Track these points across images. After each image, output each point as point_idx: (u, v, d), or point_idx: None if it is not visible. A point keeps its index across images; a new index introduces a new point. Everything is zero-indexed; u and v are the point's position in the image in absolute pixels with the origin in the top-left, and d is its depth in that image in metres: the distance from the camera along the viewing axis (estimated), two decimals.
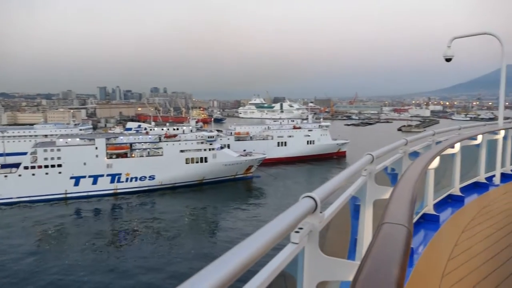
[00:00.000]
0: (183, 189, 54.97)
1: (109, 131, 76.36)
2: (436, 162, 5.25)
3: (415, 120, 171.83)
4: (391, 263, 1.26)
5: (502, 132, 8.61)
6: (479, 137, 7.63)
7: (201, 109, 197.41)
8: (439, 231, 5.58)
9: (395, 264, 1.26)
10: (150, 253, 32.59)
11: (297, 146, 78.21)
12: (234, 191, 55.64)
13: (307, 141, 79.98)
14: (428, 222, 5.91)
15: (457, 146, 6.50)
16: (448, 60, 9.68)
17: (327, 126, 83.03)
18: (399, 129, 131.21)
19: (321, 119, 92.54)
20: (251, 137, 77.22)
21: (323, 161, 75.56)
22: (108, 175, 52.90)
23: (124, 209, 47.70)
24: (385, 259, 1.29)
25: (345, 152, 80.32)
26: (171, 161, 55.52)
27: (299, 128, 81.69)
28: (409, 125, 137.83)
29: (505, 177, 8.91)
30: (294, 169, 70.32)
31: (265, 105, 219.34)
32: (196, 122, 73.71)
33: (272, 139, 77.68)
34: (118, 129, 78.02)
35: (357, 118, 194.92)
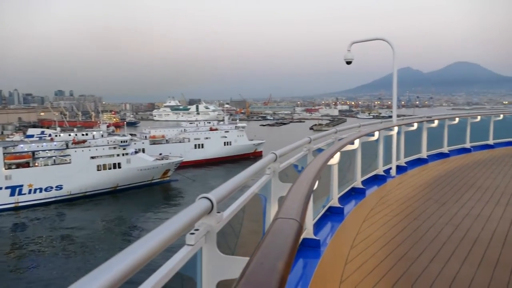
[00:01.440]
0: (95, 198, 51.76)
1: (7, 139, 69.14)
2: (336, 158, 5.63)
3: (325, 119, 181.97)
4: (277, 257, 1.33)
5: (396, 129, 9.52)
6: (376, 134, 8.34)
7: (113, 112, 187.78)
8: (344, 222, 5.99)
9: (280, 257, 1.33)
10: (58, 271, 30.16)
11: (214, 148, 78.24)
12: (151, 197, 53.90)
13: (224, 143, 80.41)
14: (334, 214, 6.31)
15: (357, 142, 7.04)
16: (348, 62, 10.43)
17: (243, 127, 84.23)
18: (311, 128, 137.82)
19: (237, 120, 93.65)
20: (167, 140, 75.48)
21: (240, 161, 76.56)
22: (7, 187, 47.79)
23: (27, 224, 43.51)
24: (271, 253, 1.35)
25: (261, 152, 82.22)
26: (80, 168, 51.98)
27: (216, 129, 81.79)
28: (320, 124, 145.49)
29: (400, 169, 9.84)
30: (212, 171, 70.24)
31: (181, 107, 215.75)
32: (108, 126, 69.91)
33: (189, 141, 76.74)
34: (17, 137, 70.97)
35: (272, 118, 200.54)
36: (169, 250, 1.65)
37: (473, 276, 4.04)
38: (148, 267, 1.64)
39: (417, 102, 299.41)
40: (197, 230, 1.85)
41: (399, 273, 4.16)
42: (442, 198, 7.19)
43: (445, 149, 12.29)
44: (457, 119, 12.84)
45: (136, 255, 1.31)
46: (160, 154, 66.45)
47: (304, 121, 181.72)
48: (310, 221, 5.08)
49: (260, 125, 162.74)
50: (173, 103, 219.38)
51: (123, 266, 1.23)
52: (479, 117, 13.86)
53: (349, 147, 6.79)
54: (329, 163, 5.20)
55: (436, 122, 11.65)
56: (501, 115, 14.66)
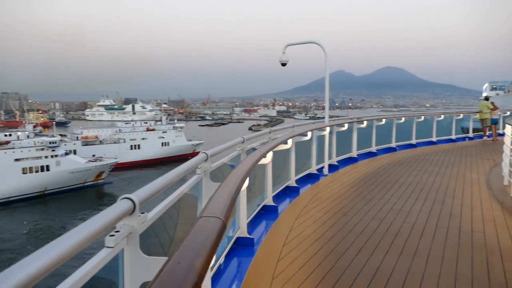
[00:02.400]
0: (21, 204, 48.11)
1: None
2: (269, 158, 5.75)
3: (264, 119, 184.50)
4: (196, 255, 1.34)
5: (328, 129, 9.93)
6: (309, 134, 8.64)
7: (40, 111, 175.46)
8: (278, 220, 6.14)
9: (199, 255, 1.35)
10: None
11: (151, 149, 76.14)
12: (83, 200, 51.21)
13: (162, 143, 78.60)
14: (268, 213, 6.44)
15: (290, 142, 7.24)
16: (283, 64, 10.69)
17: (181, 127, 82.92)
18: (250, 128, 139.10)
19: (175, 121, 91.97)
20: (100, 141, 72.12)
21: (178, 162, 74.67)
22: None
23: None
24: (190, 252, 1.36)
25: (200, 152, 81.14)
26: (2, 172, 48.05)
27: (153, 130, 79.68)
28: (258, 125, 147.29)
29: (332, 168, 10.28)
30: (150, 172, 68.22)
31: (116, 106, 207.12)
32: (34, 126, 65.48)
33: (124, 142, 73.95)
34: None
35: (210, 118, 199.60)
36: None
37: (394, 266, 4.33)
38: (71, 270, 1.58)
39: (350, 104, 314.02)
40: (117, 231, 1.81)
41: (328, 267, 4.35)
42: (369, 195, 7.62)
43: (374, 148, 13.03)
44: (384, 120, 13.67)
45: (49, 256, 1.25)
46: (93, 155, 63.33)
47: (243, 122, 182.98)
48: (244, 220, 5.14)
49: (199, 125, 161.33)
50: (107, 102, 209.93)
51: (34, 267, 1.18)
52: (403, 119, 14.87)
53: (283, 147, 6.97)
54: (262, 162, 5.31)
55: (365, 123, 12.32)
56: (422, 117, 15.85)
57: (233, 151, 5.33)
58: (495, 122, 17.20)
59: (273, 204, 6.62)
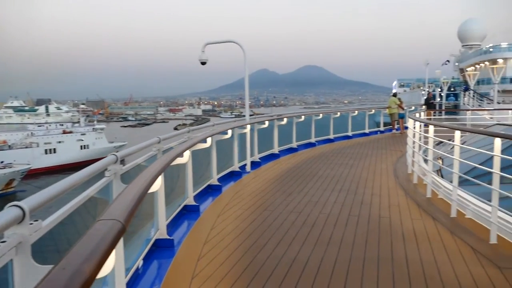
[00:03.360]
0: None
1: None
2: (186, 157, 5.72)
3: (190, 119, 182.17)
4: (85, 260, 1.29)
5: (249, 127, 10.10)
6: (229, 132, 8.72)
7: None
8: (199, 219, 6.12)
9: (89, 260, 1.30)
10: None
11: (69, 152, 71.30)
12: None
13: (81, 146, 74.06)
14: (189, 212, 6.40)
15: (209, 140, 7.25)
16: (203, 63, 10.66)
17: (102, 129, 78.87)
18: (176, 128, 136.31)
19: (95, 122, 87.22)
20: (9, 146, 66.03)
21: None
22: None
23: None
24: (78, 257, 1.31)
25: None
26: None
27: (70, 132, 74.78)
28: (184, 124, 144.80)
29: (254, 164, 10.48)
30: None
31: (26, 108, 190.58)
32: None
33: (37, 146, 68.43)
34: None
35: (133, 119, 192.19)
36: None
37: (309, 255, 4.55)
38: None
39: (274, 102, 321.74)
40: (3, 242, 1.69)
41: (247, 261, 4.44)
42: (290, 189, 7.90)
43: (294, 144, 13.51)
44: (303, 117, 14.24)
45: None
46: (2, 162, 57.80)
47: (168, 121, 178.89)
48: (163, 221, 5.06)
49: (121, 126, 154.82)
50: (16, 103, 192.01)
51: None
52: (321, 115, 15.61)
53: (202, 146, 6.96)
54: (179, 162, 5.26)
55: (285, 120, 12.73)
56: (338, 113, 16.78)
57: (149, 151, 5.21)
58: (402, 116, 18.76)
59: (195, 204, 6.59)
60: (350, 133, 17.12)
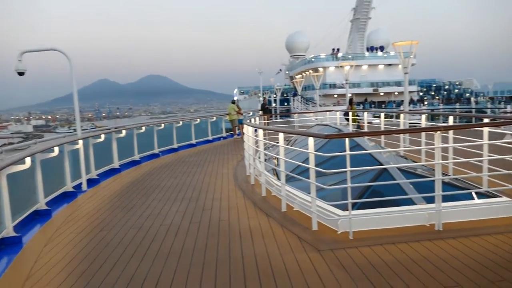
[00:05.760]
0: None
1: None
2: None
3: (17, 137, 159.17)
4: None
5: (81, 142, 9.31)
6: (56, 149, 7.90)
7: None
8: (20, 253, 5.36)
9: None
10: None
11: None
12: None
13: None
14: (8, 246, 5.55)
15: (28, 160, 6.43)
16: (21, 74, 9.43)
17: None
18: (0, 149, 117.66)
19: None
20: None
21: None
22: None
23: None
24: None
25: None
26: None
27: None
28: (10, 143, 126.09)
29: (92, 182, 9.72)
30: None
31: None
32: None
33: None
34: None
35: None
36: None
37: (148, 270, 4.41)
38: None
39: (118, 113, 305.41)
40: None
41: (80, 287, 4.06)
42: (131, 203, 7.57)
43: (137, 156, 13.03)
44: (143, 128, 13.84)
45: None
46: None
47: None
48: None
49: None
50: None
51: None
52: (163, 125, 15.43)
53: (18, 168, 6.13)
54: None
55: (124, 132, 12.17)
56: (181, 122, 16.85)
57: None
58: (241, 122, 19.91)
59: (15, 235, 5.75)
60: (194, 141, 17.36)
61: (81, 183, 9.23)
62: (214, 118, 20.04)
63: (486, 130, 6.56)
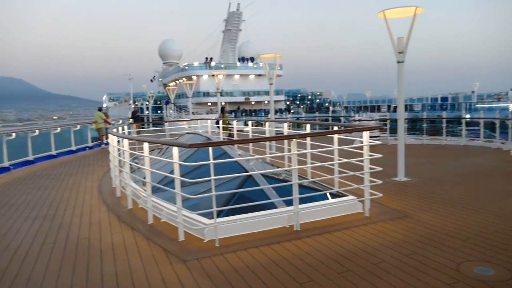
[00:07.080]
0: None
1: None
2: None
3: None
4: None
5: None
6: None
7: None
8: None
9: None
10: None
11: None
12: None
13: None
14: None
15: None
16: None
17: None
18: None
19: None
20: None
21: None
22: None
23: None
24: None
25: None
26: None
27: None
28: None
29: None
30: None
31: None
32: None
33: None
34: None
35: None
36: None
37: None
38: None
39: None
40: None
41: None
42: None
43: None
44: None
45: None
46: None
47: None
48: None
49: None
50: None
51: None
52: (14, 134, 13.64)
53: None
54: None
55: None
56: (37, 131, 15.10)
57: None
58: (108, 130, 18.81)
59: None
60: (54, 152, 15.73)
61: None
62: (78, 127, 18.50)
63: (336, 136, 7.33)
